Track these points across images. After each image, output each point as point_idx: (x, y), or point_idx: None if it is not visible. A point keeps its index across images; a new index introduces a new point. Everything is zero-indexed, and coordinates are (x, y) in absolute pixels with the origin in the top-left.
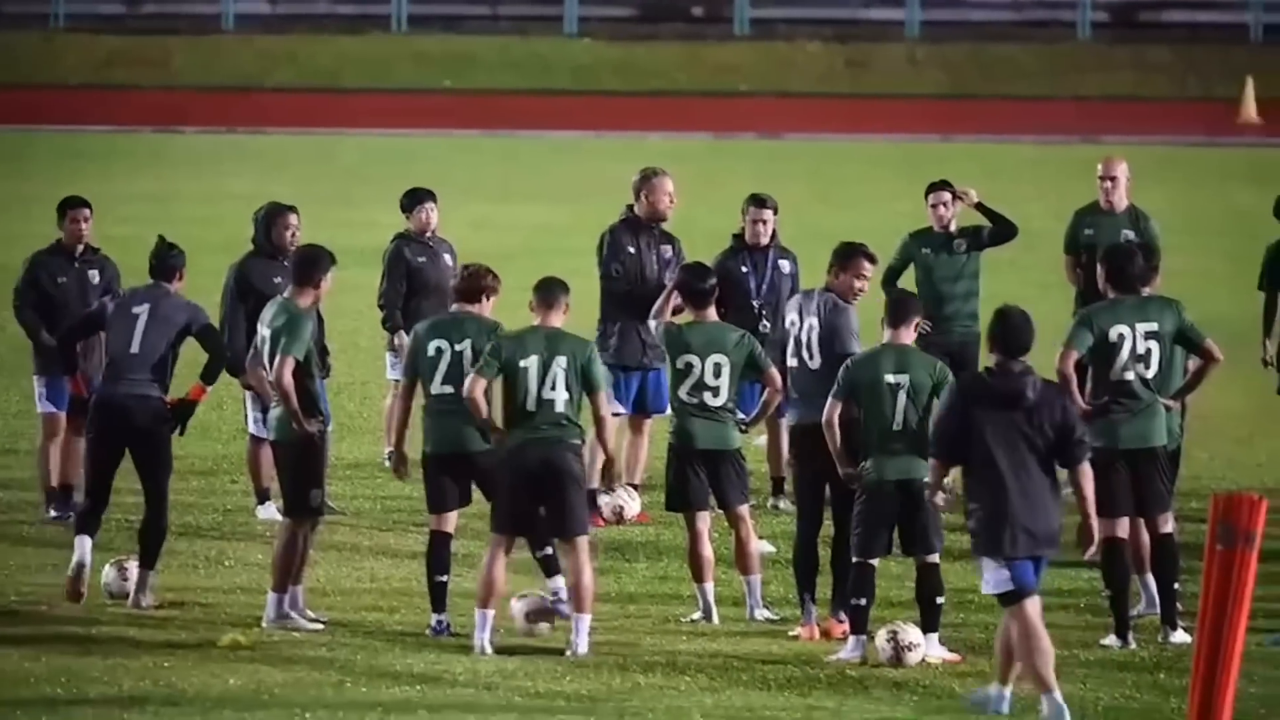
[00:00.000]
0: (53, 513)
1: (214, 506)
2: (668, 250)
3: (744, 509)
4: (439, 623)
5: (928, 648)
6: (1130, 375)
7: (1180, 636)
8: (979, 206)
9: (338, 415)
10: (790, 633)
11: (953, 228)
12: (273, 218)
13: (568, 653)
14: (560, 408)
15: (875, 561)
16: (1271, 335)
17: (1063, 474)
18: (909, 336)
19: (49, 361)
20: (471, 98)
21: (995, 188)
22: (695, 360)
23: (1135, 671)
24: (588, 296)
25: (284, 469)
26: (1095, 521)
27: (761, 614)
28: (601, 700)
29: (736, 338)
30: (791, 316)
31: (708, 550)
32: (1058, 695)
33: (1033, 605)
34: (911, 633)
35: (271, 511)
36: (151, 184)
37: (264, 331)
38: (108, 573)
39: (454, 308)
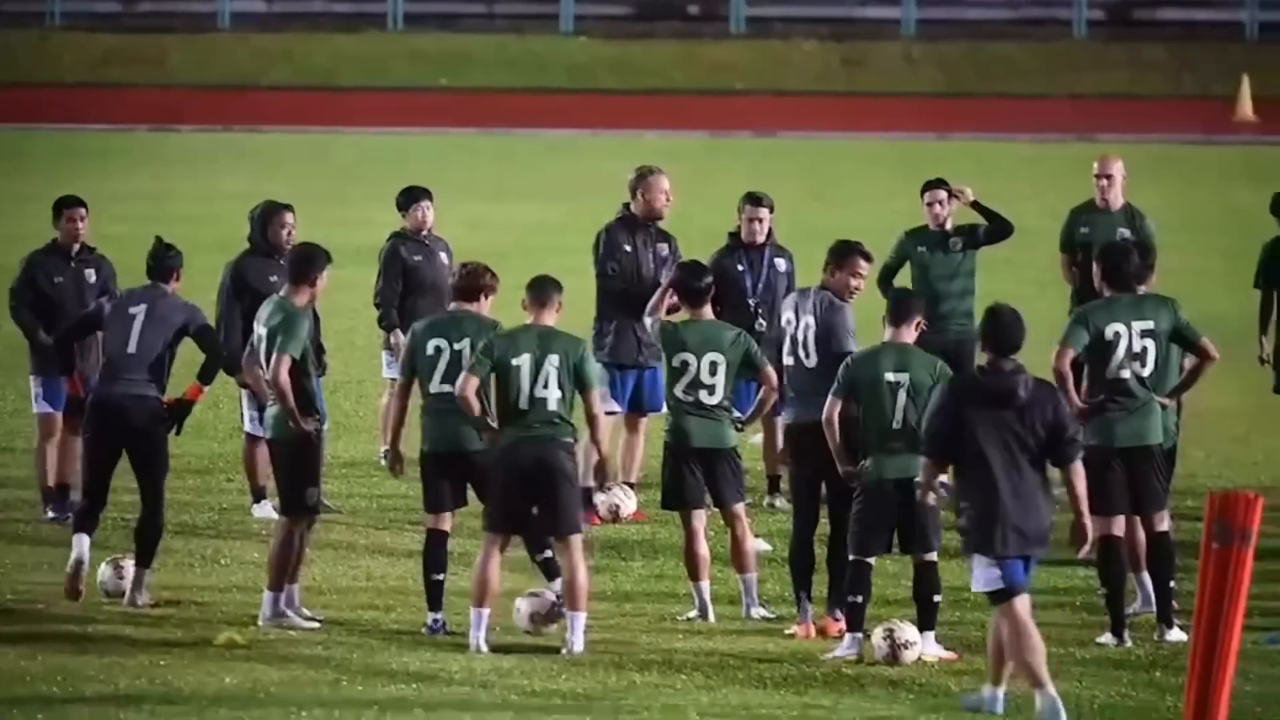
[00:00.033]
0: (50, 514)
1: (210, 505)
2: (664, 249)
3: (740, 507)
4: (435, 621)
5: (924, 646)
6: (1126, 373)
7: (1176, 635)
8: (975, 205)
9: (334, 414)
10: (786, 631)
11: (948, 226)
12: (268, 216)
13: (563, 651)
14: (553, 406)
15: (872, 560)
16: (1268, 333)
17: (1054, 473)
18: (910, 335)
19: (45, 361)
20: (467, 96)
21: (991, 186)
22: (691, 358)
23: (1131, 670)
24: (583, 295)
25: (280, 467)
26: (1088, 520)
27: (757, 612)
28: (597, 699)
29: (732, 336)
30: (787, 315)
31: (703, 549)
32: (1051, 690)
33: (1022, 603)
34: (908, 631)
35: (267, 510)
36: (147, 183)
37: (260, 330)
38: (104, 571)
39: (452, 306)
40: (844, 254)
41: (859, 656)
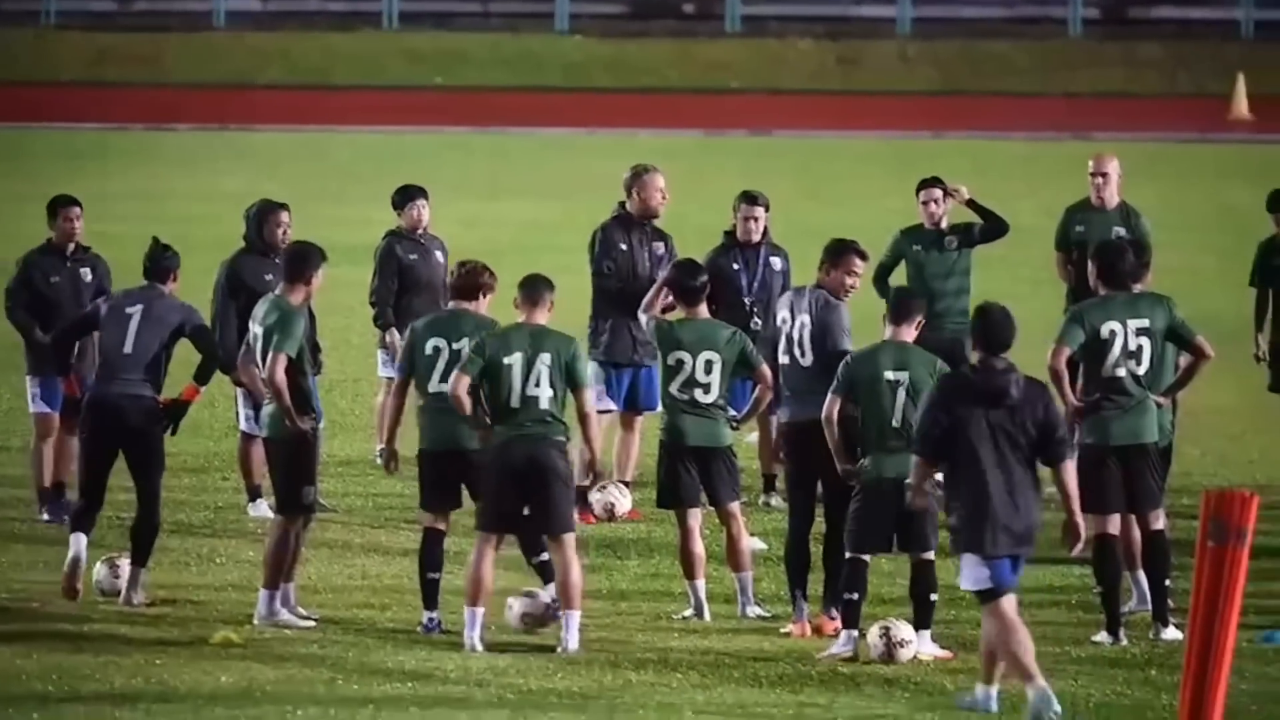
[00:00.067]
0: (46, 515)
1: (205, 504)
2: (659, 247)
3: (735, 506)
4: (430, 620)
5: (920, 644)
6: (1122, 372)
7: (1171, 633)
8: (970, 203)
9: (329, 412)
10: (782, 630)
11: (944, 225)
12: (264, 215)
13: (559, 649)
14: (544, 405)
15: (868, 558)
16: (1263, 331)
17: (1045, 472)
18: (910, 334)
19: (42, 361)
20: (462, 95)
21: (986, 184)
22: (686, 357)
23: (1126, 668)
24: (579, 294)
25: (276, 466)
26: (1080, 518)
27: (753, 611)
28: (593, 697)
29: (728, 335)
30: (783, 314)
31: (699, 547)
32: (1041, 682)
33: (1008, 601)
34: (904, 629)
35: (263, 509)
36: (143, 182)
37: (256, 329)
38: (99, 570)
39: (451, 305)
40: (839, 252)
41: (854, 654)
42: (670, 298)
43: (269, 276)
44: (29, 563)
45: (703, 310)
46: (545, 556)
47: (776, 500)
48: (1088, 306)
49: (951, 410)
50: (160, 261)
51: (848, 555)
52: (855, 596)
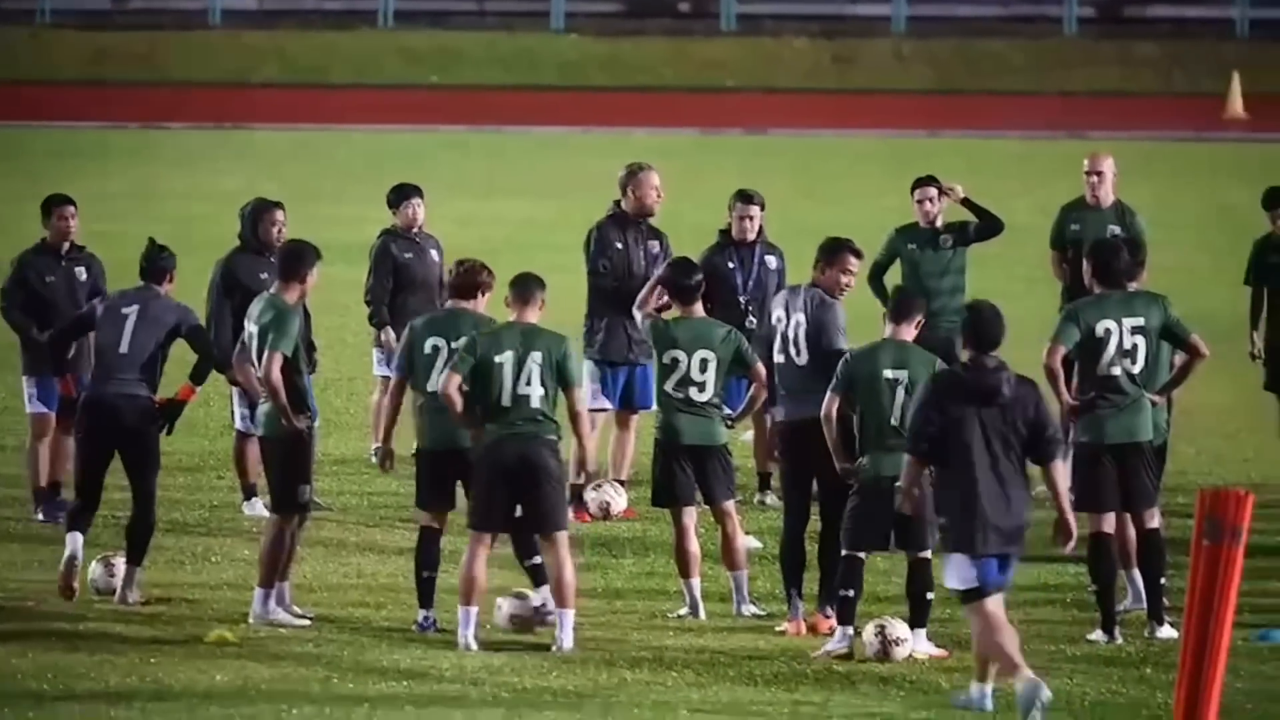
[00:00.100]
0: (41, 515)
1: (200, 502)
2: (655, 245)
3: (730, 504)
4: (425, 618)
5: (915, 643)
6: (1117, 370)
7: (1167, 631)
8: (965, 202)
9: (324, 411)
10: (777, 628)
11: (939, 223)
12: (259, 214)
13: (554, 648)
14: (535, 403)
15: (864, 555)
16: (1258, 329)
17: (1034, 470)
18: (909, 333)
19: (38, 361)
20: (458, 93)
21: (981, 183)
22: (681, 355)
23: (1122, 666)
24: (574, 292)
25: (272, 465)
26: (1071, 516)
27: (748, 609)
28: (588, 696)
29: (723, 333)
30: (778, 313)
31: (694, 546)
32: (1028, 672)
33: (992, 600)
34: (899, 627)
35: (258, 507)
36: (140, 181)
37: (251, 328)
38: (95, 569)
39: (449, 304)
40: (834, 251)
41: (849, 651)
42: (665, 296)
43: (264, 275)
44: (24, 562)
45: (698, 309)
46: (538, 560)
47: (771, 499)
48: (1083, 305)
49: (944, 409)
50: (156, 262)
51: (844, 552)
52: (851, 593)
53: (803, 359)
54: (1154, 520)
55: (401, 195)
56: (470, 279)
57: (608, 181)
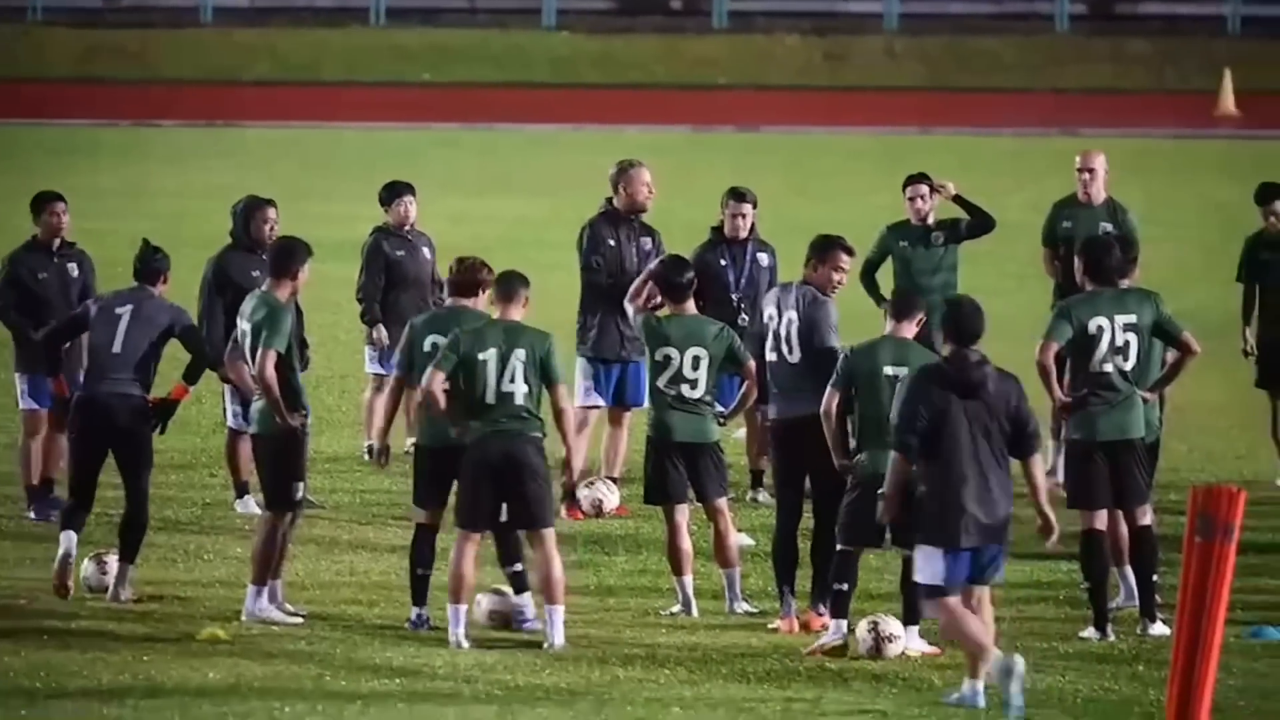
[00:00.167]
0: (33, 513)
1: (193, 500)
2: (647, 242)
3: (723, 502)
4: (418, 616)
5: (908, 640)
6: (1109, 367)
7: (1159, 629)
8: (957, 199)
9: (317, 409)
10: (769, 626)
11: (931, 220)
12: (251, 211)
13: (545, 645)
14: (520, 401)
15: (857, 550)
16: (1251, 326)
17: (1015, 467)
18: (910, 331)
19: (31, 359)
20: (450, 91)
21: (973, 180)
22: (674, 353)
23: (1114, 663)
24: (566, 289)
25: (265, 462)
26: (1050, 512)
27: (741, 607)
28: (581, 693)
29: (715, 330)
30: (770, 310)
31: (687, 543)
32: (996, 650)
33: (952, 597)
34: (892, 625)
35: (250, 505)
36: (130, 178)
37: (244, 325)
38: (87, 567)
39: (449, 302)
40: (826, 249)
41: (844, 643)
42: (657, 295)
43: (255, 272)
44: (16, 560)
45: (690, 306)
46: (519, 567)
47: (764, 496)
48: (1075, 302)
49: (930, 402)
50: (150, 263)
51: (838, 547)
52: (845, 587)
53: (795, 356)
54: (1146, 517)
55: (393, 193)
56: (470, 276)
57: (600, 179)
